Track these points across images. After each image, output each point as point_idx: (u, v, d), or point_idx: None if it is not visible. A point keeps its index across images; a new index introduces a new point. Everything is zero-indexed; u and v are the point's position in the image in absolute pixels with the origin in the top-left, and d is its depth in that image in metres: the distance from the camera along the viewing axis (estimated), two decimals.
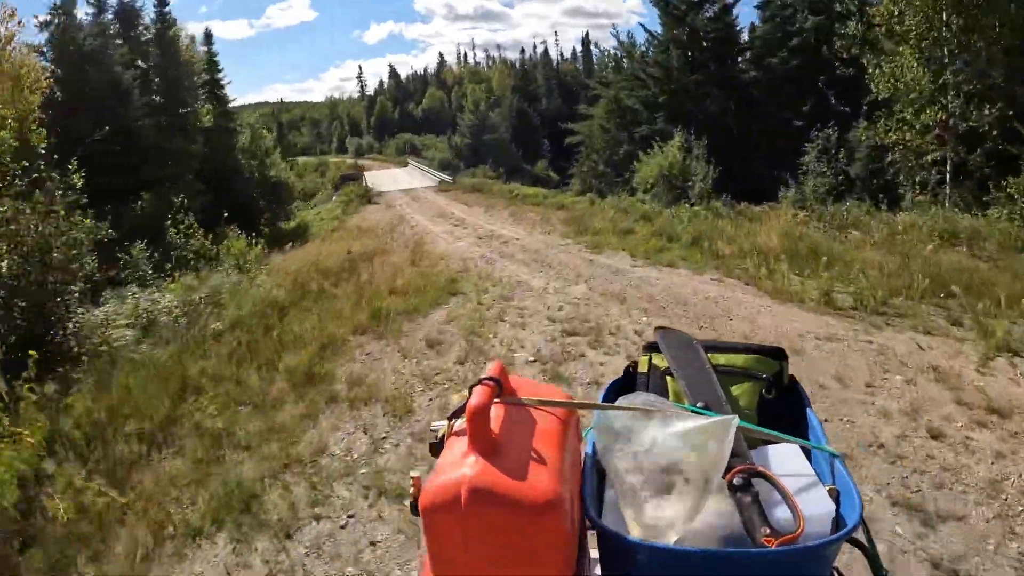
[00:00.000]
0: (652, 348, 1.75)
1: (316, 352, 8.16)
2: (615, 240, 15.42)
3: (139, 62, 27.03)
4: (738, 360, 1.69)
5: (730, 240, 13.50)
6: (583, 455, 1.44)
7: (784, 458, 1.42)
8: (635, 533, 1.22)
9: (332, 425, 6.29)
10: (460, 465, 1.13)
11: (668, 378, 1.67)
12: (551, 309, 9.66)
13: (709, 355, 1.68)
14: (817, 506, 1.26)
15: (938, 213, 15.62)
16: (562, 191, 33.76)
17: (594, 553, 1.40)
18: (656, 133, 29.55)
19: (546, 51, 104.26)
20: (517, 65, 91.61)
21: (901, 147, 19.90)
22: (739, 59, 35.11)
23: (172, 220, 15.11)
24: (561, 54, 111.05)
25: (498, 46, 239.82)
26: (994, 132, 17.94)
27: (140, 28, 27.74)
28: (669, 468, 1.24)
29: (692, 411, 1.42)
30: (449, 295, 10.96)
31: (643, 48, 38.49)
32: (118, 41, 26.42)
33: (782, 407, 1.66)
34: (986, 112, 17.78)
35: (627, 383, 1.77)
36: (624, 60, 41.65)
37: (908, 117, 19.26)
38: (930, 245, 12.54)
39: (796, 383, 1.73)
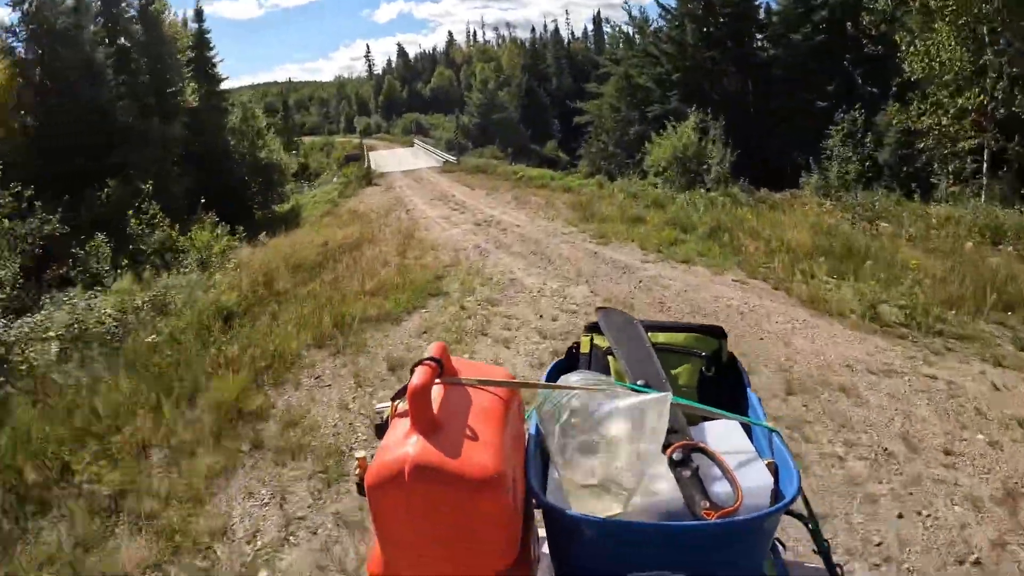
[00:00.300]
0: (594, 328, 1.73)
1: (254, 375, 6.80)
2: (624, 229, 13.85)
3: (121, 40, 25.56)
4: (678, 339, 1.67)
5: (752, 233, 12.08)
6: (527, 435, 1.43)
7: (723, 434, 1.41)
8: (579, 509, 1.21)
9: (245, 489, 4.90)
10: (403, 444, 1.13)
11: (610, 358, 1.65)
12: (544, 319, 8.26)
13: (650, 334, 1.66)
14: (756, 480, 1.26)
15: (976, 206, 14.47)
16: (570, 173, 32.10)
17: (542, 532, 1.40)
18: (669, 113, 27.83)
19: (557, 30, 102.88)
20: (527, 44, 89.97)
21: (935, 133, 18.34)
22: (758, 35, 33.11)
23: (136, 209, 13.65)
24: (572, 33, 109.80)
25: (508, 25, 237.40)
26: None
27: (123, 4, 26.17)
28: (610, 444, 1.23)
29: (632, 389, 1.41)
30: (430, 296, 9.56)
31: (655, 24, 36.87)
32: (99, 18, 24.97)
33: (722, 385, 1.64)
34: None
35: (570, 364, 1.74)
36: (636, 36, 39.84)
37: (944, 100, 17.72)
38: (969, 242, 11.62)
39: (735, 361, 1.70)
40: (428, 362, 1.23)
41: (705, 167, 22.26)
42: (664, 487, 1.25)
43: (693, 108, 24.55)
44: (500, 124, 59.35)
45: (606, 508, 1.20)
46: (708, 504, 1.18)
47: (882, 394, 5.72)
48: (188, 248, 12.73)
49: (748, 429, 1.49)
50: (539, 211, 18.08)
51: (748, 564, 1.25)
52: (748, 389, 1.64)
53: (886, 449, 4.85)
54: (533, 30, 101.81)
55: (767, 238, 11.50)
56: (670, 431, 1.27)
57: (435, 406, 1.18)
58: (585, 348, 1.75)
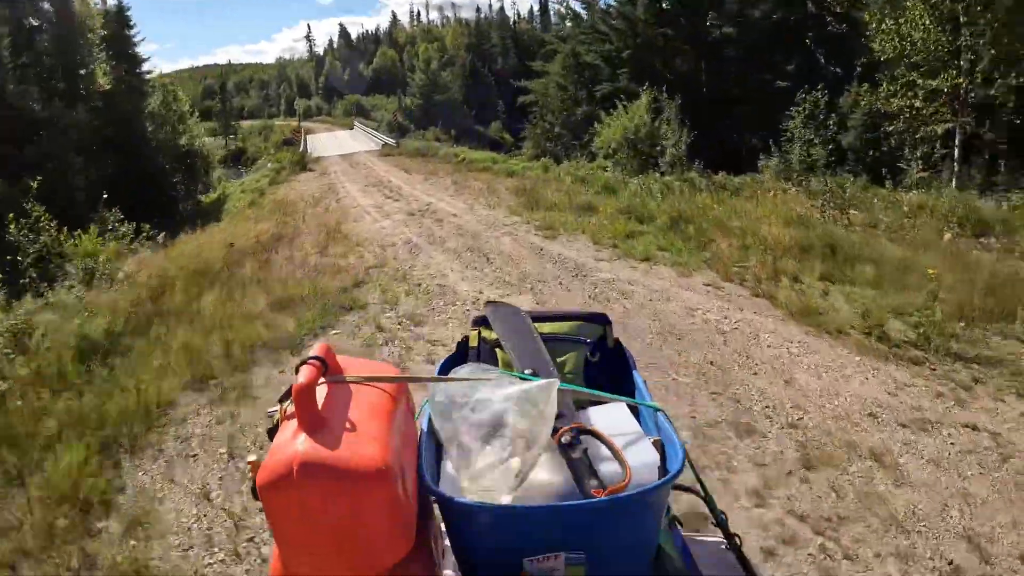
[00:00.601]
0: (482, 322, 1.73)
1: (105, 441, 5.14)
2: (573, 219, 12.43)
3: (29, 20, 23.39)
4: (563, 327, 1.70)
5: (719, 225, 10.82)
6: (419, 428, 1.42)
7: (611, 416, 1.43)
8: (472, 497, 1.22)
9: None
10: (291, 444, 1.12)
11: (498, 350, 1.65)
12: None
13: (536, 324, 1.67)
14: (643, 457, 1.29)
15: (950, 194, 13.83)
16: (514, 155, 31.01)
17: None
18: (619, 92, 26.44)
19: (502, 9, 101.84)
20: (472, 24, 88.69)
21: (906, 115, 17.49)
22: (712, 12, 31.41)
23: (20, 211, 11.64)
24: (518, 13, 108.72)
25: (453, 5, 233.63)
26: (1010, 104, 16.11)
27: None
28: (499, 432, 1.25)
29: (520, 378, 1.41)
30: (344, 310, 7.97)
31: (604, 0, 35.45)
32: None
33: (608, 369, 1.67)
34: (1011, 80, 15.75)
35: (461, 358, 1.71)
36: (584, 12, 38.35)
37: (919, 81, 16.92)
38: (948, 233, 11.07)
39: (621, 345, 1.71)
40: (312, 361, 1.21)
41: (659, 149, 21.10)
42: (555, 470, 1.25)
43: (645, 87, 23.26)
44: (443, 105, 58.03)
45: (499, 494, 1.19)
46: (597, 483, 1.19)
47: (923, 461, 4.43)
48: (75, 257, 10.84)
49: (635, 410, 1.49)
50: (479, 198, 16.58)
51: (642, 539, 1.27)
52: (634, 372, 1.62)
53: (951, 563, 3.54)
54: (478, 10, 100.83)
55: (737, 231, 10.24)
56: (559, 416, 1.28)
57: (321, 404, 1.17)
58: (474, 342, 1.70)
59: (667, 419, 1.37)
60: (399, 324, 7.44)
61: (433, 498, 1.29)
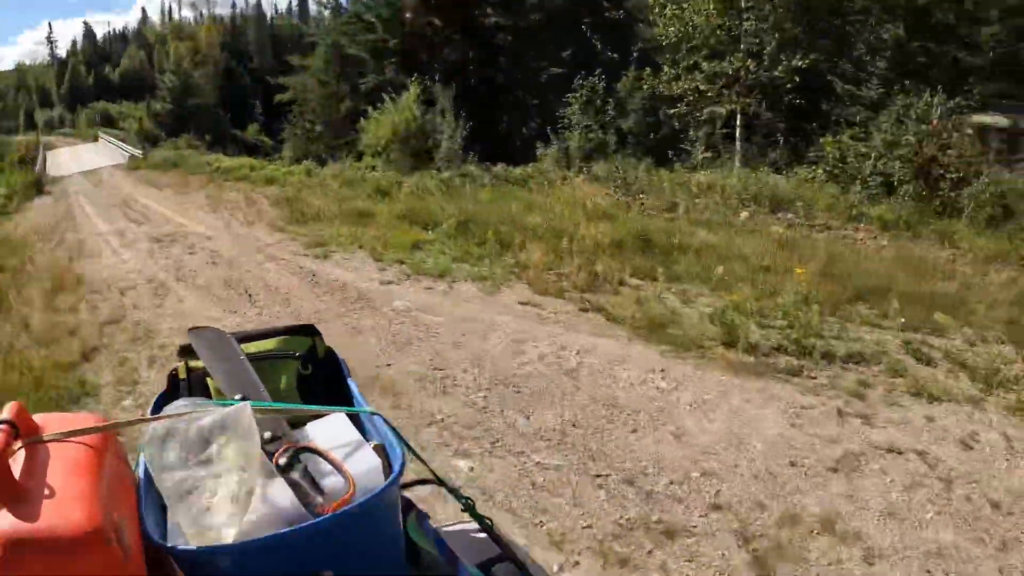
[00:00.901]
0: (187, 351, 1.64)
1: None
2: (347, 231, 10.74)
3: None
4: (270, 344, 1.64)
5: (516, 224, 9.79)
6: (136, 478, 1.30)
7: (329, 429, 1.39)
8: (197, 542, 1.13)
9: None
10: None
11: (208, 378, 1.58)
12: None
13: (243, 345, 1.61)
14: (365, 465, 1.28)
15: (737, 172, 14.72)
16: (274, 160, 29.15)
17: None
18: (387, 84, 25.35)
19: (259, 4, 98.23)
20: (227, 20, 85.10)
21: (691, 98, 18.32)
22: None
23: None
24: (276, 8, 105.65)
25: (208, 1, 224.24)
26: (788, 85, 17.04)
27: None
28: (209, 467, 1.19)
29: (228, 405, 1.30)
30: (69, 400, 5.43)
31: None
32: None
33: (322, 380, 1.64)
34: (795, 63, 16.64)
35: (174, 393, 1.62)
36: (345, 1, 36.68)
37: (703, 65, 17.96)
38: (745, 212, 11.45)
39: (333, 353, 1.69)
40: (2, 427, 1.07)
41: (432, 143, 20.41)
42: (278, 495, 1.17)
43: (414, 78, 22.26)
44: (196, 109, 54.57)
45: (221, 533, 1.11)
46: (323, 500, 1.15)
47: (877, 516, 3.63)
48: None
49: (355, 418, 1.44)
50: (237, 213, 14.51)
51: (385, 541, 1.26)
52: (348, 379, 1.60)
53: None
54: (234, 6, 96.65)
55: (540, 229, 9.26)
56: (274, 438, 1.23)
57: (20, 472, 1.04)
58: (183, 374, 1.62)
59: (385, 421, 1.36)
60: (140, 407, 5.22)
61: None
